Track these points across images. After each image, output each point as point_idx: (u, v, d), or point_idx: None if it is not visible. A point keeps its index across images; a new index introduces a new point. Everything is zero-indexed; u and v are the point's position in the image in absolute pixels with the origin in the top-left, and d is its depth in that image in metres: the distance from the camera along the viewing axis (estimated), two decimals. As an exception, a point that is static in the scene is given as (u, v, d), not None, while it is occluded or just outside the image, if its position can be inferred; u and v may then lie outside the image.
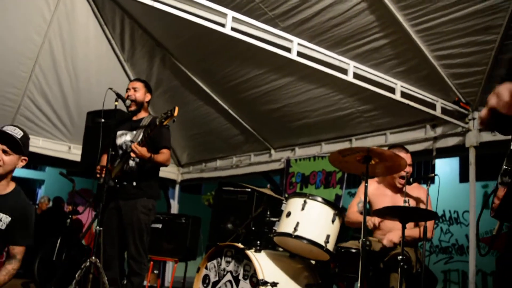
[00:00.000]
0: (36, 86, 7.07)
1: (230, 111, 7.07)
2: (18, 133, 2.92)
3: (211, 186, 10.31)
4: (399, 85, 4.67)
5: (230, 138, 7.79)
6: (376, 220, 3.82)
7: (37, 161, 9.22)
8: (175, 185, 9.46)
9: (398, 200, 4.00)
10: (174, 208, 9.42)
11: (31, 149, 7.70)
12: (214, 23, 3.60)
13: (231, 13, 3.63)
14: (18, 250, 2.98)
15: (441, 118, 5.02)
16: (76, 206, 8.07)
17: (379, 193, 4.16)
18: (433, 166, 7.02)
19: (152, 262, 6.04)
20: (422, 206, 3.94)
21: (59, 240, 5.21)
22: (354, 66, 4.45)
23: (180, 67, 6.67)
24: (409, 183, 3.95)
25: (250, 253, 3.37)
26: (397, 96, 4.64)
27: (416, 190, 4.04)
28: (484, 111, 1.46)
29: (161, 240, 5.72)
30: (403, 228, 3.35)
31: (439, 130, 5.40)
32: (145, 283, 7.44)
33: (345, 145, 6.34)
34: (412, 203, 3.90)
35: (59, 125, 7.71)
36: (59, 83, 7.11)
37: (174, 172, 9.38)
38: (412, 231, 3.85)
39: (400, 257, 3.28)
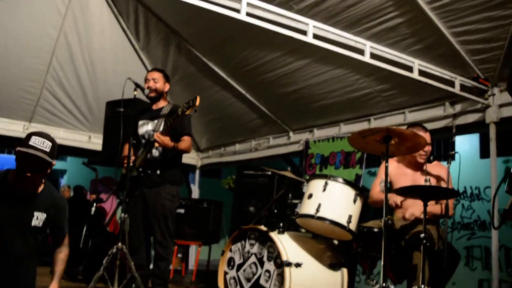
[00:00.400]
0: (55, 79, 7.16)
1: (247, 95, 7.09)
2: (47, 147, 2.95)
3: (231, 170, 10.39)
4: (417, 64, 4.65)
5: (248, 122, 7.82)
6: (398, 199, 3.85)
7: (58, 151, 9.34)
8: (195, 170, 9.55)
9: (419, 179, 4.02)
10: (195, 193, 9.54)
11: (51, 140, 7.84)
12: (229, 9, 3.61)
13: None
14: (65, 240, 3.28)
15: (460, 95, 4.99)
16: (99, 195, 8.23)
17: (399, 172, 4.18)
18: (453, 144, 6.99)
19: (176, 247, 6.14)
20: (443, 183, 3.96)
21: (85, 228, 5.34)
22: (371, 46, 4.42)
23: (196, 54, 6.68)
24: (430, 161, 3.97)
25: (274, 235, 3.43)
26: (415, 75, 4.62)
27: (436, 168, 4.05)
28: None
29: (184, 225, 5.82)
30: (425, 206, 3.37)
31: (458, 107, 5.37)
32: (170, 267, 7.61)
33: (363, 125, 6.34)
34: (433, 181, 3.92)
35: (78, 115, 7.82)
36: (76, 74, 7.19)
37: (194, 158, 9.47)
38: (433, 208, 3.87)
39: (423, 234, 3.30)
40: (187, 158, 9.25)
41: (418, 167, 4.08)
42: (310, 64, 5.84)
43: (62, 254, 3.26)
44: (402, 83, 5.37)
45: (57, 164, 12.12)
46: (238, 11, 3.64)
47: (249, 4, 3.68)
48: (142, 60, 7.39)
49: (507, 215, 2.92)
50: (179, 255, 8.04)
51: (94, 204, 5.71)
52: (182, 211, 5.80)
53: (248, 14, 3.68)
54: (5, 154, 12.57)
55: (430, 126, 5.42)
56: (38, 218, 3.01)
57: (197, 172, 9.53)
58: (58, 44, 6.75)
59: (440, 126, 5.51)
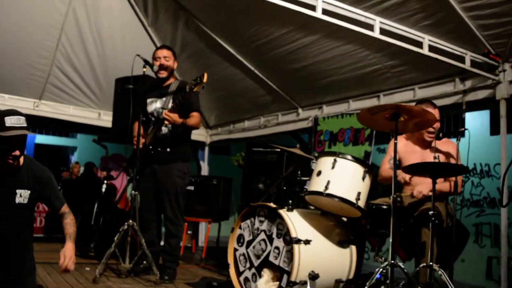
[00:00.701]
0: (64, 55, 7.15)
1: (256, 71, 7.05)
2: (23, 122, 2.94)
3: (240, 147, 10.40)
4: (427, 39, 4.60)
5: (257, 99, 7.79)
6: (407, 176, 3.85)
7: (69, 128, 9.41)
8: (204, 147, 9.57)
9: (428, 156, 4.02)
10: (205, 169, 9.56)
11: (62, 117, 7.88)
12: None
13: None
14: (63, 208, 3.25)
15: (470, 71, 4.93)
16: (109, 172, 8.29)
17: (408, 149, 4.17)
18: (463, 120, 6.95)
19: (186, 224, 6.20)
20: (452, 160, 3.94)
21: (96, 205, 5.39)
22: (380, 22, 4.37)
23: (205, 30, 6.64)
24: (439, 138, 3.96)
25: (283, 212, 3.44)
26: (425, 51, 4.57)
27: (445, 144, 4.04)
28: None
29: (194, 202, 5.86)
30: (434, 183, 3.37)
31: (468, 83, 5.31)
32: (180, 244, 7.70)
33: (372, 101, 6.31)
34: (442, 158, 3.91)
35: (88, 92, 7.82)
36: (85, 51, 7.18)
37: (203, 134, 9.47)
38: (441, 185, 3.87)
39: (431, 212, 3.31)
40: (196, 135, 9.25)
41: (427, 144, 4.06)
42: (319, 40, 5.79)
43: (68, 219, 3.26)
44: (412, 59, 5.32)
45: (68, 141, 12.31)
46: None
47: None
48: (151, 37, 7.36)
49: None
50: (189, 232, 8.12)
51: (105, 182, 5.77)
52: (191, 188, 5.83)
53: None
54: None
55: (440, 102, 5.38)
56: (22, 195, 3.00)
57: (206, 149, 9.54)
58: (67, 20, 6.72)
59: (450, 103, 5.45)
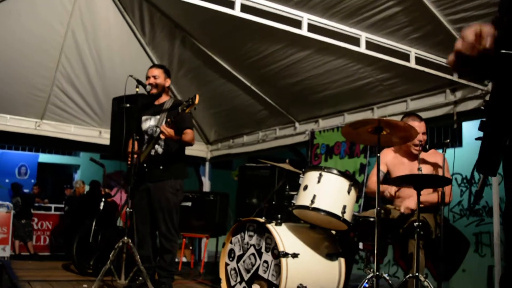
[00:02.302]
0: (64, 75, 7.29)
1: (252, 87, 7.15)
2: None
3: (242, 161, 10.48)
4: (413, 52, 4.68)
5: (254, 114, 7.89)
6: (392, 189, 3.91)
7: (71, 146, 9.52)
8: (205, 162, 9.65)
9: (415, 168, 4.07)
10: (206, 185, 9.64)
11: (64, 136, 8.01)
12: (223, 6, 3.67)
13: (239, -5, 3.69)
14: None
15: (459, 82, 5.01)
16: (111, 189, 8.39)
17: (396, 161, 4.23)
18: (455, 131, 7.00)
19: (184, 239, 6.26)
20: (440, 171, 4.00)
21: (94, 222, 5.47)
22: (366, 37, 4.46)
23: (200, 47, 6.76)
24: (425, 150, 4.02)
25: (271, 226, 3.51)
26: (412, 64, 4.66)
27: (432, 156, 4.10)
28: (450, 56, 1.44)
29: (192, 218, 5.93)
30: (418, 195, 3.43)
31: (459, 94, 5.38)
32: (184, 259, 7.76)
33: (367, 114, 6.38)
34: (428, 169, 3.98)
35: (88, 111, 7.96)
36: (85, 71, 7.31)
37: (203, 150, 9.57)
38: (429, 196, 3.92)
39: (416, 223, 3.37)
40: (197, 151, 9.38)
41: (414, 156, 4.12)
42: (311, 55, 5.88)
43: None
44: (403, 71, 5.39)
45: (71, 159, 12.49)
46: (232, 7, 3.71)
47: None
48: (149, 55, 7.48)
49: (478, 196, 2.97)
50: (190, 247, 8.18)
51: (103, 199, 5.85)
52: (189, 204, 5.91)
53: (243, 10, 3.75)
54: (19, 150, 12.84)
55: (431, 114, 5.47)
56: None
57: (207, 164, 9.63)
58: (66, 41, 6.86)
59: (442, 114, 5.52)
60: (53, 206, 10.75)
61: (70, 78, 7.34)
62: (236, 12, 3.67)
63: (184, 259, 7.81)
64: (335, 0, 4.78)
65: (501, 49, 1.29)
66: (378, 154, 3.33)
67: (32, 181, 12.54)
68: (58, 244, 9.93)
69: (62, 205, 10.41)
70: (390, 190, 3.94)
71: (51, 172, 14.25)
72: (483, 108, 1.39)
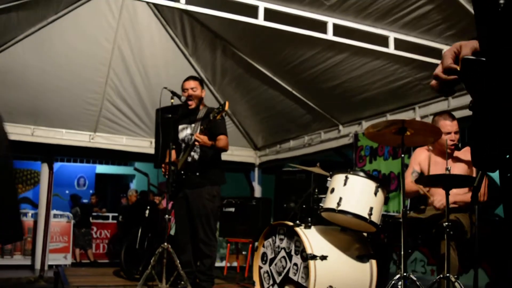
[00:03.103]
0: (113, 89, 7.61)
1: (294, 92, 7.22)
2: None
3: (294, 164, 10.53)
4: (445, 49, 4.60)
5: (298, 118, 7.94)
6: (425, 188, 3.87)
7: (124, 157, 9.90)
8: (254, 168, 9.78)
9: (451, 167, 4.01)
10: (257, 190, 9.76)
11: (116, 147, 8.34)
12: (247, 16, 3.77)
13: (262, 5, 3.78)
14: None
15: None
16: (162, 197, 8.63)
17: (431, 161, 4.18)
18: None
19: (228, 244, 6.38)
20: (475, 169, 3.93)
21: (139, 230, 5.68)
22: (395, 37, 4.44)
23: (241, 56, 6.89)
24: (458, 149, 3.96)
25: (299, 229, 3.56)
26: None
27: (467, 154, 4.03)
28: (433, 81, 1.48)
29: (235, 223, 6.05)
30: (447, 195, 3.39)
31: (500, 91, 5.23)
32: (235, 264, 7.89)
33: (408, 114, 6.30)
34: (462, 167, 3.92)
35: (138, 122, 8.26)
36: (132, 84, 7.61)
37: (252, 156, 9.70)
38: (464, 196, 3.86)
39: (446, 223, 3.33)
40: (245, 157, 9.55)
41: (448, 155, 4.06)
42: (349, 58, 5.89)
43: None
44: (442, 69, 5.31)
45: (126, 170, 12.91)
46: (255, 16, 3.80)
47: (266, 10, 3.83)
48: (193, 65, 7.69)
49: (476, 193, 2.94)
50: (244, 253, 8.30)
51: (147, 207, 6.06)
52: (232, 209, 6.04)
53: (266, 18, 3.84)
54: (77, 163, 13.43)
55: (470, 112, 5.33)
56: None
57: (256, 170, 9.74)
58: (113, 56, 7.18)
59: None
60: (110, 215, 11.18)
61: (119, 91, 7.65)
62: (260, 21, 3.75)
63: (235, 264, 7.95)
64: (367, 2, 4.81)
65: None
66: (402, 155, 3.32)
67: (91, 191, 13.10)
68: (116, 251, 10.32)
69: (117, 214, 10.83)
70: (423, 189, 3.90)
71: (108, 182, 14.81)
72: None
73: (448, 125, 3.92)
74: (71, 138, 8.20)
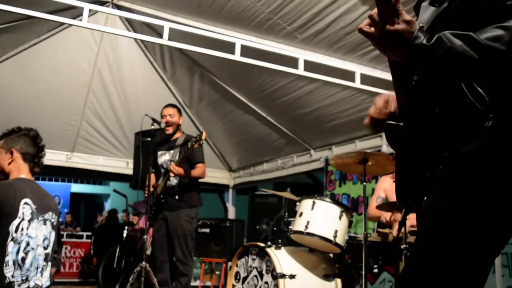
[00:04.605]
0: (92, 111, 7.81)
1: (268, 117, 7.53)
2: None
3: (267, 187, 10.80)
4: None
5: (272, 142, 8.24)
6: (387, 215, 4.19)
7: (100, 177, 10.07)
8: (228, 189, 10.02)
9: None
10: (231, 211, 9.99)
11: (93, 167, 8.50)
12: (225, 52, 4.07)
13: (239, 42, 4.09)
14: None
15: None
16: (139, 217, 8.80)
17: (393, 188, 4.51)
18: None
19: (203, 264, 6.60)
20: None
21: (117, 249, 5.88)
22: (361, 73, 4.78)
23: (218, 82, 7.19)
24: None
25: (270, 250, 3.84)
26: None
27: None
28: (366, 119, 1.76)
29: (210, 243, 6.26)
30: (403, 219, 3.70)
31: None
32: (208, 283, 8.07)
33: (376, 141, 6.65)
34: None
35: (116, 143, 8.46)
36: (111, 106, 7.82)
37: (226, 178, 9.95)
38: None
39: (403, 246, 3.65)
40: (220, 178, 9.79)
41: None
42: (320, 88, 6.23)
43: None
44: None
45: (101, 189, 13.04)
46: (232, 52, 4.11)
47: (243, 46, 4.14)
48: (170, 89, 7.96)
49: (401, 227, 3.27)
50: (217, 272, 8.48)
51: (126, 227, 6.26)
52: (207, 230, 6.25)
53: (242, 54, 4.15)
54: (52, 181, 13.50)
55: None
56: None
57: (230, 191, 9.99)
58: (93, 79, 7.40)
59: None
60: (84, 234, 11.26)
61: (98, 113, 7.86)
62: (236, 57, 4.05)
63: (208, 283, 8.12)
64: (338, 37, 5.15)
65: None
66: (364, 183, 3.64)
67: (65, 210, 13.16)
68: (90, 270, 10.41)
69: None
70: (385, 215, 4.22)
71: (82, 201, 14.88)
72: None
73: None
74: (49, 158, 8.26)
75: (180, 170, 4.76)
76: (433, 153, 1.37)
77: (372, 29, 1.36)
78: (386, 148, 6.33)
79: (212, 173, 9.40)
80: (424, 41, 1.27)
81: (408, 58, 1.31)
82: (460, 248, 1.27)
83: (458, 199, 1.27)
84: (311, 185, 8.63)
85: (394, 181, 1.60)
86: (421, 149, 1.41)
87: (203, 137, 4.46)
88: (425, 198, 1.38)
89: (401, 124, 1.50)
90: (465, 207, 1.26)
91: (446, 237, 1.28)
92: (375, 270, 4.17)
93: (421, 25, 1.38)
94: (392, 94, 1.69)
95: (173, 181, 5.02)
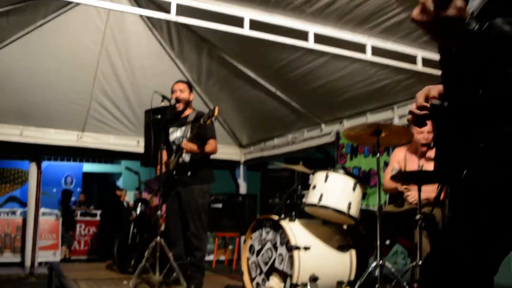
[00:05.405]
0: (101, 90, 7.82)
1: (277, 93, 7.49)
2: None
3: (279, 161, 10.82)
4: (420, 55, 4.92)
5: (282, 117, 8.21)
6: (403, 186, 4.19)
7: (112, 156, 10.12)
8: (239, 165, 10.05)
9: (425, 165, 4.34)
10: (242, 187, 10.03)
11: (104, 146, 8.59)
12: (233, 25, 4.04)
13: (248, 15, 4.05)
14: None
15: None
16: (153, 194, 8.87)
17: (408, 159, 4.51)
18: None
19: (217, 239, 6.66)
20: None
21: (132, 226, 5.94)
22: (372, 45, 4.74)
23: (226, 58, 7.15)
24: (431, 148, 4.28)
25: (284, 223, 3.86)
26: (419, 66, 4.90)
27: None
28: (408, 115, 1.76)
29: (223, 218, 6.33)
30: (419, 190, 3.72)
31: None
32: (223, 258, 8.18)
33: (387, 114, 6.62)
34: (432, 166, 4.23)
35: (125, 122, 8.48)
36: (120, 85, 7.82)
37: (237, 153, 9.96)
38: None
39: (418, 215, 3.66)
40: (231, 155, 9.81)
41: (422, 154, 4.38)
42: (330, 61, 6.16)
43: None
44: (417, 73, 5.63)
45: (113, 168, 13.12)
46: (241, 25, 4.08)
47: (251, 21, 4.10)
48: (179, 66, 7.92)
49: (437, 202, 3.30)
50: (230, 247, 8.58)
51: (139, 204, 6.31)
52: (219, 205, 6.31)
53: (251, 27, 4.11)
54: (64, 161, 13.60)
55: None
56: None
57: (241, 167, 10.01)
58: (101, 58, 7.38)
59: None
60: (98, 212, 11.38)
61: (106, 92, 7.87)
62: (245, 30, 4.02)
63: (222, 258, 8.23)
64: (347, 9, 5.09)
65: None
66: (378, 155, 3.64)
67: (78, 189, 13.29)
68: (98, 248, 10.59)
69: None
70: (400, 187, 4.22)
71: (95, 181, 15.00)
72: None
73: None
74: (60, 138, 8.40)
75: (192, 146, 4.77)
76: (475, 131, 1.42)
77: (425, 17, 1.37)
78: (398, 121, 6.32)
79: (223, 149, 9.38)
80: (476, 28, 1.30)
81: (460, 44, 1.35)
82: (499, 223, 1.34)
83: (498, 176, 1.33)
84: (322, 159, 8.63)
85: (432, 159, 1.64)
86: (463, 128, 1.46)
87: (216, 113, 4.45)
88: (464, 172, 1.42)
89: (445, 103, 1.55)
90: (506, 184, 1.32)
91: (486, 212, 1.35)
92: (387, 242, 4.18)
93: (472, 10, 1.40)
94: (431, 86, 1.73)
95: (186, 157, 5.03)
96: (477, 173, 1.40)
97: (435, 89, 1.71)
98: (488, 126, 1.38)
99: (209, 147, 4.94)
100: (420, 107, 1.74)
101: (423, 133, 4.22)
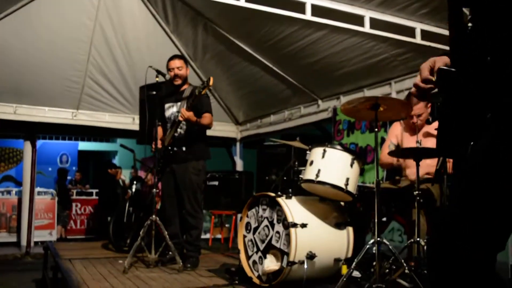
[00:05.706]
0: (95, 66, 7.70)
1: (274, 68, 7.39)
2: None
3: (275, 138, 10.75)
4: (419, 28, 4.82)
5: (279, 93, 8.13)
6: (400, 160, 4.13)
7: (107, 134, 10.03)
8: (236, 142, 9.99)
9: (422, 140, 4.26)
10: (239, 164, 10.00)
11: (99, 124, 8.51)
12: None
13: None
14: None
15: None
16: (149, 172, 8.81)
17: (405, 134, 4.44)
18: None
19: (213, 217, 6.60)
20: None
21: (127, 205, 5.88)
22: (370, 16, 4.63)
23: (222, 32, 7.02)
24: (429, 123, 4.21)
25: (281, 200, 3.79)
26: (418, 39, 4.80)
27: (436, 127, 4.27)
28: (412, 89, 1.75)
29: (219, 196, 6.27)
30: (417, 166, 3.65)
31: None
32: (219, 236, 8.15)
33: (385, 89, 6.54)
34: (433, 141, 4.16)
35: (121, 99, 8.38)
36: (114, 61, 7.70)
37: (233, 131, 9.91)
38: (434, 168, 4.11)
39: (416, 192, 3.60)
40: (227, 132, 9.75)
41: (418, 129, 4.31)
42: (327, 35, 6.05)
43: None
44: (415, 46, 5.53)
45: (108, 146, 13.04)
46: (237, -1, 3.96)
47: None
48: (174, 42, 7.80)
49: (438, 175, 3.24)
50: (227, 225, 8.54)
51: (134, 182, 6.24)
52: (216, 183, 6.24)
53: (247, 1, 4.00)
54: (59, 140, 13.51)
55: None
56: None
57: (238, 144, 9.96)
58: (95, 34, 7.25)
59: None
60: (94, 191, 11.33)
61: (101, 69, 7.75)
62: (241, 2, 3.91)
63: (219, 236, 8.21)
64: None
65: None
66: (376, 129, 3.56)
67: (74, 168, 13.22)
68: (94, 228, 10.57)
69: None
70: (396, 162, 4.16)
71: (90, 159, 14.91)
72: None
73: (416, 101, 4.15)
74: (54, 116, 8.30)
75: (190, 114, 4.67)
76: (483, 100, 1.39)
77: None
78: (395, 96, 6.23)
79: (219, 126, 9.33)
80: None
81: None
82: (507, 196, 1.31)
83: (506, 148, 1.31)
84: (319, 136, 8.56)
85: (436, 129, 1.59)
86: (470, 96, 1.43)
87: (211, 83, 4.35)
88: (472, 143, 1.40)
89: (453, 70, 1.50)
90: None
91: (493, 185, 1.32)
92: (384, 219, 4.13)
93: None
94: (436, 57, 1.67)
95: (181, 131, 4.95)
96: (484, 145, 1.34)
97: (441, 61, 1.64)
98: (496, 94, 1.32)
99: (204, 119, 4.86)
100: (425, 80, 1.67)
101: (413, 118, 4.15)
